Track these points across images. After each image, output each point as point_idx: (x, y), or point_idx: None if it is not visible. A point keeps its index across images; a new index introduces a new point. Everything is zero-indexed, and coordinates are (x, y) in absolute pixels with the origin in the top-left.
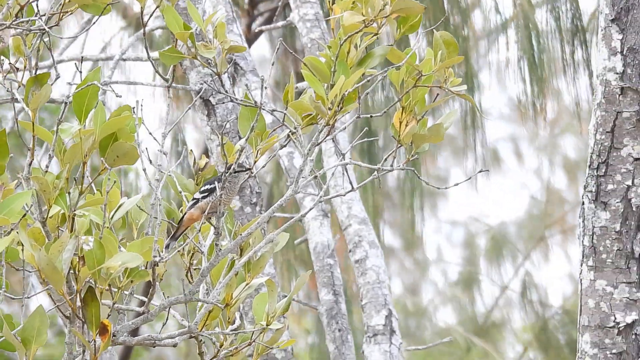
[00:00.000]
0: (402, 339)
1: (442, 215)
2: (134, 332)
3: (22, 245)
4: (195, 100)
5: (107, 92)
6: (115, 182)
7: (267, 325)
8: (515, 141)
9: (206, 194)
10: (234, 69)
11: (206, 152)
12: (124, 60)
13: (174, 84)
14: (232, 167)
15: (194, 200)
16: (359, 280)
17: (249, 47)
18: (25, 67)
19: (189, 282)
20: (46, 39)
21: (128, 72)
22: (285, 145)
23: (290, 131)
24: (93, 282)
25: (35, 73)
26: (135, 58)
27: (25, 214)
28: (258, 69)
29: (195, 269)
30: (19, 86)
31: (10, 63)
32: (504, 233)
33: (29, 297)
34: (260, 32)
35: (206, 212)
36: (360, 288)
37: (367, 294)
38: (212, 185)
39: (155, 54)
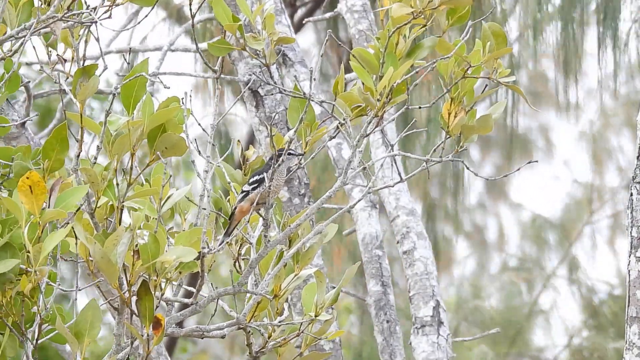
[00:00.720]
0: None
1: (487, 202)
2: (180, 323)
3: (75, 237)
4: (244, 92)
5: (155, 84)
6: (170, 176)
7: (315, 316)
8: (548, 131)
9: (255, 184)
10: (282, 60)
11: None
12: (172, 51)
13: (222, 75)
14: (281, 158)
15: (244, 193)
16: (407, 271)
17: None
18: (73, 58)
19: (237, 272)
20: (94, 31)
21: (170, 65)
22: (334, 137)
23: (339, 122)
24: (146, 276)
25: (83, 65)
26: (184, 49)
27: (79, 208)
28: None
29: (243, 259)
30: (67, 77)
31: (58, 55)
32: (548, 221)
33: (80, 290)
34: (304, 23)
35: (255, 203)
36: (408, 279)
37: (414, 285)
38: (260, 176)
39: (203, 45)
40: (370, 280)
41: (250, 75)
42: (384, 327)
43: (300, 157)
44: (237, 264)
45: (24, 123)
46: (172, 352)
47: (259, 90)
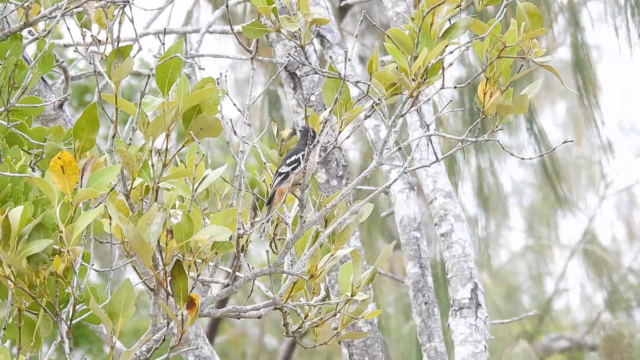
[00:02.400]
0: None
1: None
2: (222, 304)
3: (109, 218)
4: (279, 72)
5: (194, 66)
6: (203, 155)
7: (351, 295)
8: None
9: (295, 165)
10: (321, 42)
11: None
12: (210, 33)
13: (259, 57)
14: (315, 139)
15: (282, 175)
16: (445, 253)
17: (340, 22)
18: (107, 39)
19: (274, 253)
20: (128, 12)
21: (206, 47)
22: (369, 116)
23: (374, 102)
24: (180, 256)
25: (117, 46)
26: (222, 31)
27: (113, 188)
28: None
29: (279, 239)
30: (102, 58)
31: (92, 35)
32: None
33: (112, 270)
34: (342, 5)
35: (290, 185)
36: (445, 261)
37: (452, 267)
38: (297, 156)
39: (239, 27)
40: (409, 262)
41: (287, 57)
42: (422, 309)
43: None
44: (273, 244)
45: (61, 105)
46: (214, 336)
47: (297, 72)
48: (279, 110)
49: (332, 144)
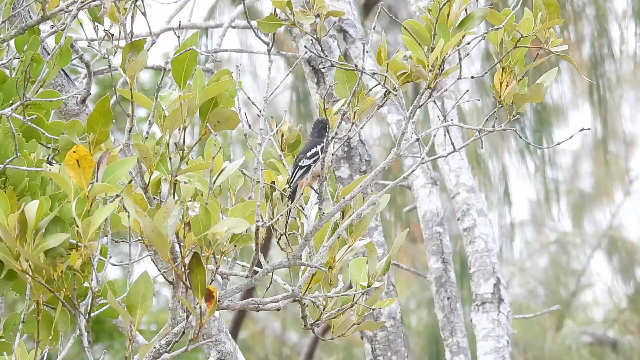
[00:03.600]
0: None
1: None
2: (249, 293)
3: (127, 211)
4: (295, 65)
5: (218, 62)
6: (220, 147)
7: (368, 286)
8: None
9: (316, 157)
10: (343, 37)
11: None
12: (233, 28)
13: (283, 52)
14: (334, 132)
15: (304, 167)
16: (467, 248)
17: (365, 18)
18: (120, 33)
19: (281, 249)
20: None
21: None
22: (382, 105)
23: (387, 90)
24: (198, 248)
25: (131, 40)
26: (244, 26)
27: (130, 181)
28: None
29: (290, 235)
30: (115, 52)
31: (105, 30)
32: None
33: (128, 264)
34: (372, 3)
35: (310, 179)
36: (468, 256)
37: (475, 262)
38: (316, 149)
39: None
40: (431, 257)
41: (310, 51)
42: (445, 304)
43: (350, 128)
44: (282, 238)
45: (84, 99)
46: (237, 331)
47: (320, 67)
48: (308, 107)
49: (351, 137)
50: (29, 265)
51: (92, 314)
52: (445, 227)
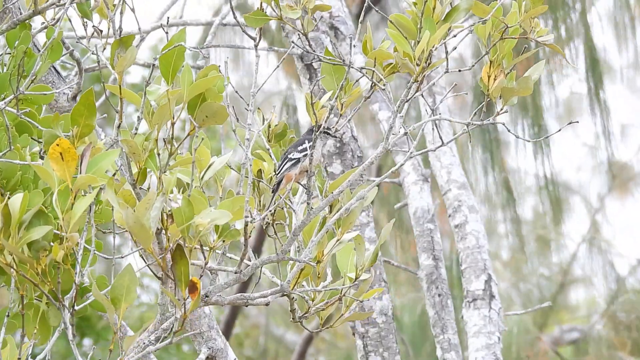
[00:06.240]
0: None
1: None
2: (244, 289)
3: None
4: (282, 60)
5: (206, 57)
6: (203, 139)
7: (355, 278)
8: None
9: (306, 152)
10: (334, 33)
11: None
12: (224, 25)
13: (274, 48)
14: (321, 126)
15: (294, 160)
16: (459, 245)
17: (363, 17)
18: (108, 29)
19: (269, 237)
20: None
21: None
22: (369, 97)
23: (372, 82)
24: (182, 241)
25: (119, 36)
26: (235, 23)
27: (115, 173)
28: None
29: (277, 224)
30: (104, 48)
31: (94, 26)
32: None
33: (114, 258)
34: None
35: (298, 171)
36: (459, 253)
37: (466, 258)
38: (308, 144)
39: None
40: (422, 253)
41: (300, 47)
42: (436, 301)
43: (334, 137)
44: (270, 229)
45: (75, 96)
46: (230, 329)
47: (313, 63)
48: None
49: (339, 129)
50: (13, 258)
51: (76, 307)
52: (436, 223)
